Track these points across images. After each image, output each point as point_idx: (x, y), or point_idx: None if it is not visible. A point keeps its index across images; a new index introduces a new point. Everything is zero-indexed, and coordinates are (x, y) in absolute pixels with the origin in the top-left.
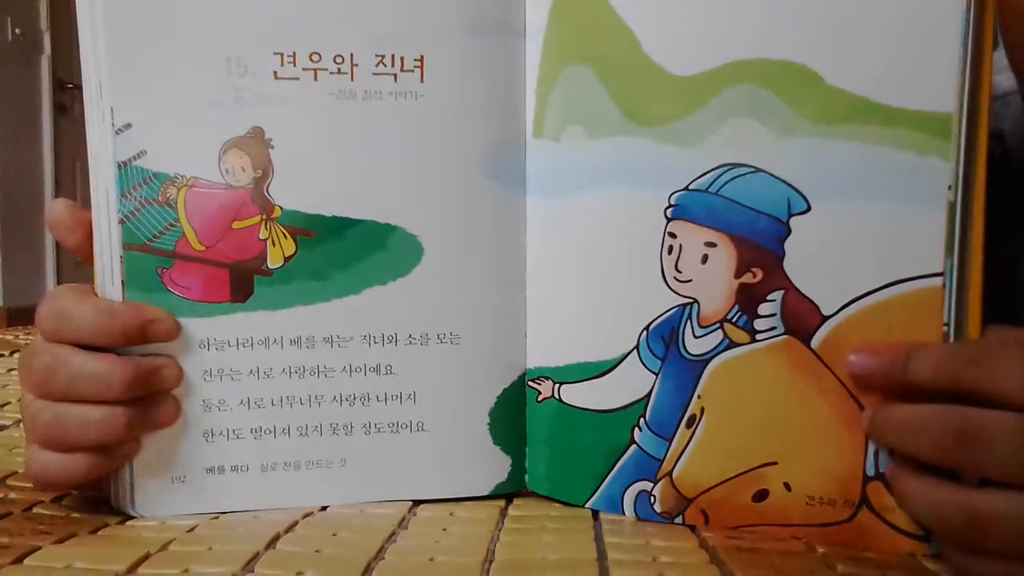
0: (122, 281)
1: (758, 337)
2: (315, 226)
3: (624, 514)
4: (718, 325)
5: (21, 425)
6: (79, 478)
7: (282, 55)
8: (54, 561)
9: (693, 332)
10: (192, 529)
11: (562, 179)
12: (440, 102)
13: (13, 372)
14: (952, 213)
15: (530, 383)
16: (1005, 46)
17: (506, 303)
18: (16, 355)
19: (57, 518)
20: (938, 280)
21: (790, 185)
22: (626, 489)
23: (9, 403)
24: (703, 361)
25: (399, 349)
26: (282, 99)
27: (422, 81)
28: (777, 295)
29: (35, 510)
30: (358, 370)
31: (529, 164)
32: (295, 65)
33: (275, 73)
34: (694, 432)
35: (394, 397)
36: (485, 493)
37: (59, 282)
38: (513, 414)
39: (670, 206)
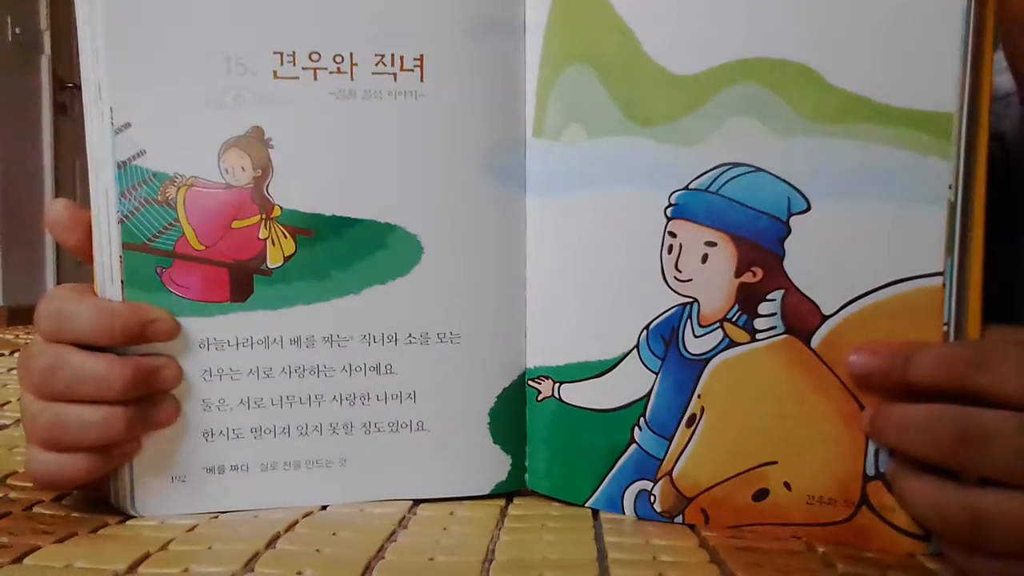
0: (122, 281)
1: (758, 336)
2: (315, 225)
3: (624, 513)
4: (718, 324)
5: (21, 424)
6: (79, 478)
7: (282, 54)
8: (54, 560)
9: (693, 331)
10: (192, 529)
11: (562, 178)
12: (440, 101)
13: (13, 371)
14: (952, 213)
15: (530, 382)
16: (1005, 50)
17: (506, 302)
18: (16, 354)
19: (57, 517)
20: (938, 280)
21: (790, 184)
22: (626, 488)
23: (9, 402)
24: (703, 360)
25: (399, 348)
26: (282, 99)
27: (422, 80)
28: (777, 294)
29: (35, 509)
30: (358, 369)
31: (529, 163)
32: (295, 64)
33: (275, 72)
34: (694, 431)
35: (394, 396)
36: (485, 492)
37: (59, 281)
38: (513, 413)
39: (670, 205)
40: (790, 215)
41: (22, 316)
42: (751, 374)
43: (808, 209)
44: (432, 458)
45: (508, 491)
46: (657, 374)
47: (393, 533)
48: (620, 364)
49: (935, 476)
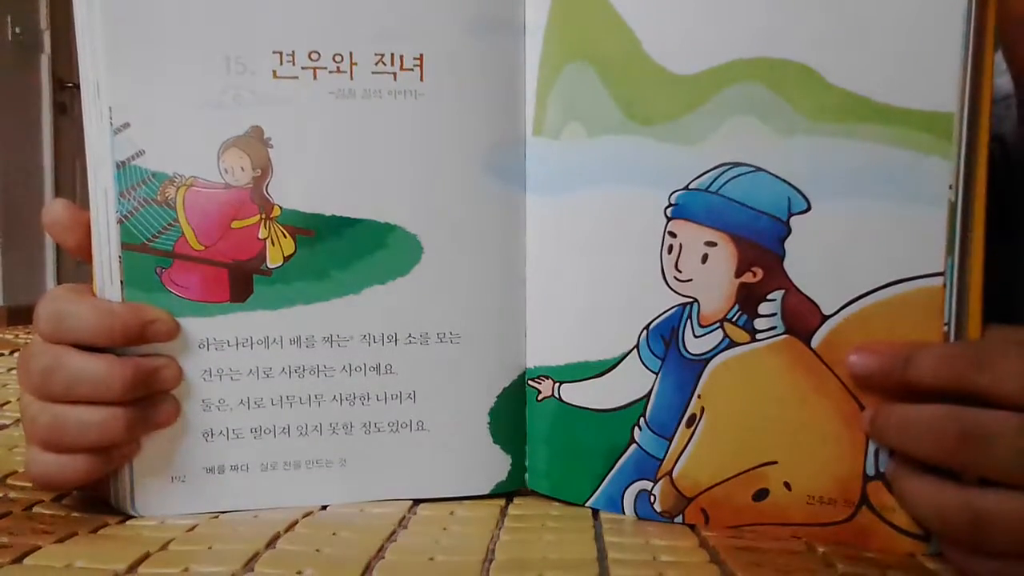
0: (121, 281)
1: (758, 337)
2: (314, 225)
3: (624, 513)
4: (718, 324)
5: (21, 424)
6: (79, 479)
7: (281, 54)
8: (54, 560)
9: (693, 331)
10: (192, 528)
11: (562, 177)
12: (440, 100)
13: (13, 371)
14: (953, 213)
15: (530, 382)
16: (1004, 52)
17: (506, 302)
18: (16, 354)
19: (57, 517)
20: (939, 280)
21: (791, 184)
22: (626, 488)
23: (9, 402)
24: (703, 360)
25: (399, 348)
26: (281, 98)
27: (421, 80)
28: (777, 295)
29: (35, 509)
30: (358, 369)
31: (529, 162)
32: (294, 64)
33: (274, 72)
34: (694, 431)
35: (394, 396)
36: (485, 492)
37: (59, 281)
38: (513, 413)
39: (670, 205)
40: (790, 215)
41: (22, 316)
42: (751, 374)
43: (808, 209)
44: (432, 458)
45: (508, 491)
46: (657, 374)
47: (393, 533)
48: (620, 364)
49: (935, 476)
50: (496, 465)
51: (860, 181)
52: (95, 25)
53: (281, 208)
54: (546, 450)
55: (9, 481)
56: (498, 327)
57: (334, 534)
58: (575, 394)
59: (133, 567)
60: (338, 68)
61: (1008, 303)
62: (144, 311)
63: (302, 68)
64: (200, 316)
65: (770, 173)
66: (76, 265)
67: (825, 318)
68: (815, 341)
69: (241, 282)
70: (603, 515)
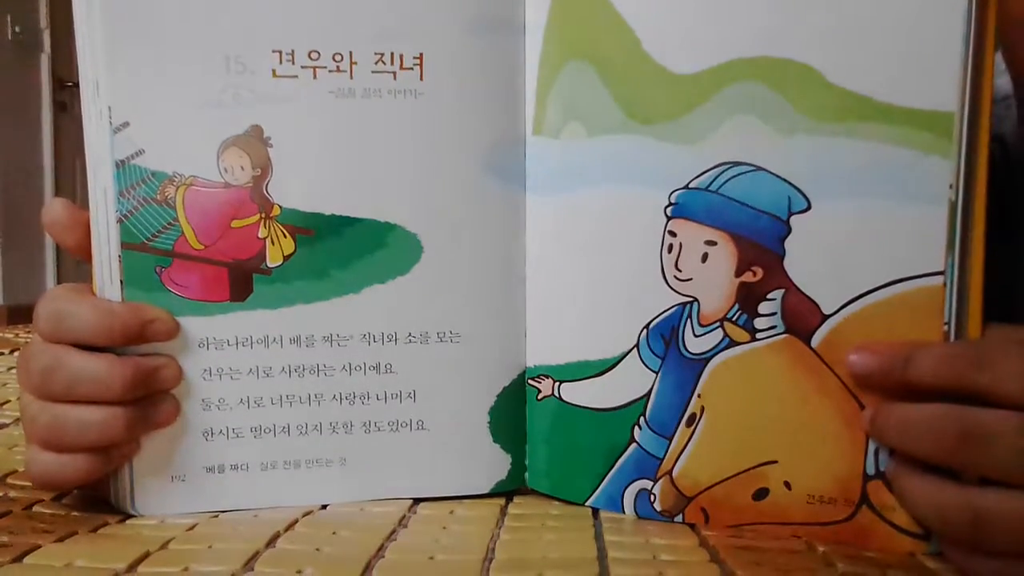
0: (121, 280)
1: (758, 336)
2: (314, 225)
3: (624, 512)
4: (718, 324)
5: (21, 423)
6: (79, 479)
7: (280, 53)
8: (54, 559)
9: (693, 331)
10: (192, 528)
11: (562, 177)
12: (439, 100)
13: (13, 370)
14: (953, 212)
15: (530, 381)
16: (1004, 53)
17: (506, 301)
18: (16, 353)
19: (57, 517)
20: (939, 279)
21: (791, 183)
22: (626, 487)
23: (9, 401)
24: (703, 360)
25: (399, 348)
26: (281, 97)
27: (421, 79)
28: (777, 294)
29: (35, 509)
30: (358, 369)
31: (529, 162)
32: (294, 63)
33: (273, 71)
34: (694, 431)
35: (394, 396)
36: (485, 491)
37: (59, 280)
38: (513, 412)
39: (670, 204)
40: (790, 214)
41: (22, 315)
42: (751, 374)
43: (809, 208)
44: (432, 457)
45: (508, 490)
46: (657, 373)
47: (393, 532)
48: (620, 363)
49: (935, 475)
50: (496, 464)
51: (860, 180)
52: (94, 24)
53: (281, 207)
54: (546, 449)
55: (9, 480)
56: (498, 326)
57: (334, 533)
58: (575, 393)
59: (133, 566)
60: (338, 67)
61: (1008, 302)
62: (144, 310)
63: (302, 67)
64: (200, 315)
65: (770, 172)
66: (76, 264)
67: (825, 317)
68: (815, 340)
69: (241, 281)
70: (603, 514)
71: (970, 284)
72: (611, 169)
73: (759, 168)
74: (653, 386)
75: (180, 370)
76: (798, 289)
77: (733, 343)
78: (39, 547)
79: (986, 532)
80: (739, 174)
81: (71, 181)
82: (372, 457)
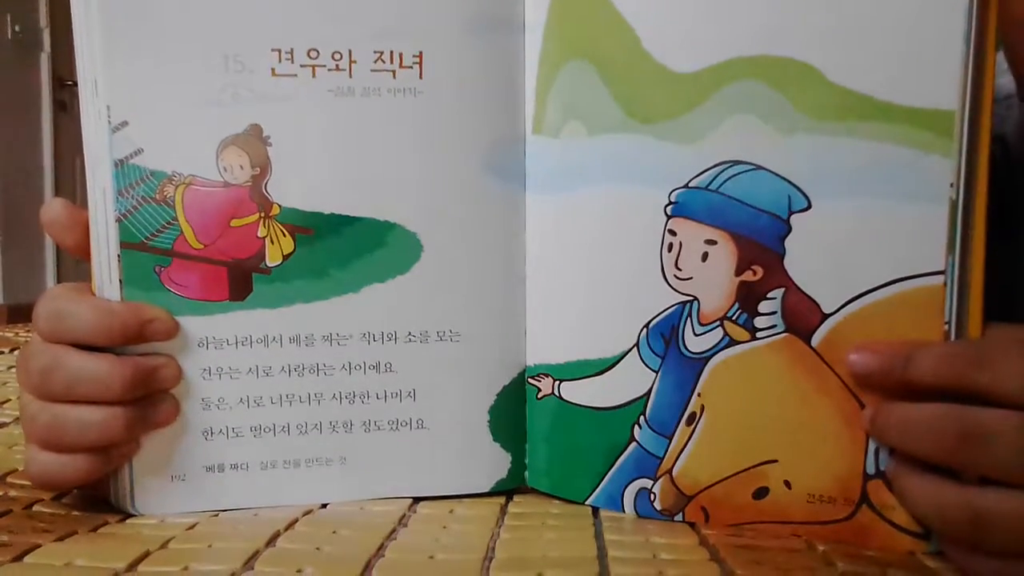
0: (120, 280)
1: (758, 335)
2: (314, 224)
3: (624, 511)
4: (718, 323)
5: (20, 423)
6: (79, 479)
7: (279, 52)
8: (54, 559)
9: (693, 330)
10: (192, 527)
11: (562, 176)
12: (439, 99)
13: (13, 369)
14: (954, 211)
15: (530, 380)
16: (1006, 53)
17: (506, 300)
18: (16, 352)
19: (57, 516)
20: (939, 278)
21: (791, 182)
22: (626, 486)
23: (9, 400)
24: (703, 359)
25: (399, 347)
26: (280, 96)
27: (421, 77)
28: (777, 293)
29: (35, 508)
30: (358, 368)
31: (529, 161)
32: (293, 62)
33: (272, 70)
34: (694, 430)
35: (394, 395)
36: (485, 490)
37: (59, 279)
38: (513, 411)
39: (670, 203)
40: (791, 213)
41: (22, 314)
42: (751, 373)
43: (809, 207)
44: (432, 456)
45: (508, 489)
46: (657, 372)
47: (393, 531)
48: (620, 362)
49: (936, 475)
50: (496, 463)
51: (861, 179)
52: (93, 23)
53: (280, 206)
54: (546, 448)
55: (9, 479)
56: (498, 325)
57: (334, 532)
58: (575, 392)
59: (133, 565)
60: (337, 66)
61: (1009, 302)
62: (143, 310)
63: (301, 66)
64: (199, 315)
65: (770, 171)
66: (76, 263)
67: (825, 316)
68: (815, 340)
69: (240, 281)
70: (603, 513)
71: (970, 284)
72: (611, 168)
73: (759, 167)
74: (653, 385)
75: (180, 370)
76: (798, 288)
77: (733, 342)
78: (39, 546)
79: (986, 531)
80: (739, 173)
81: (71, 180)
82: (372, 456)
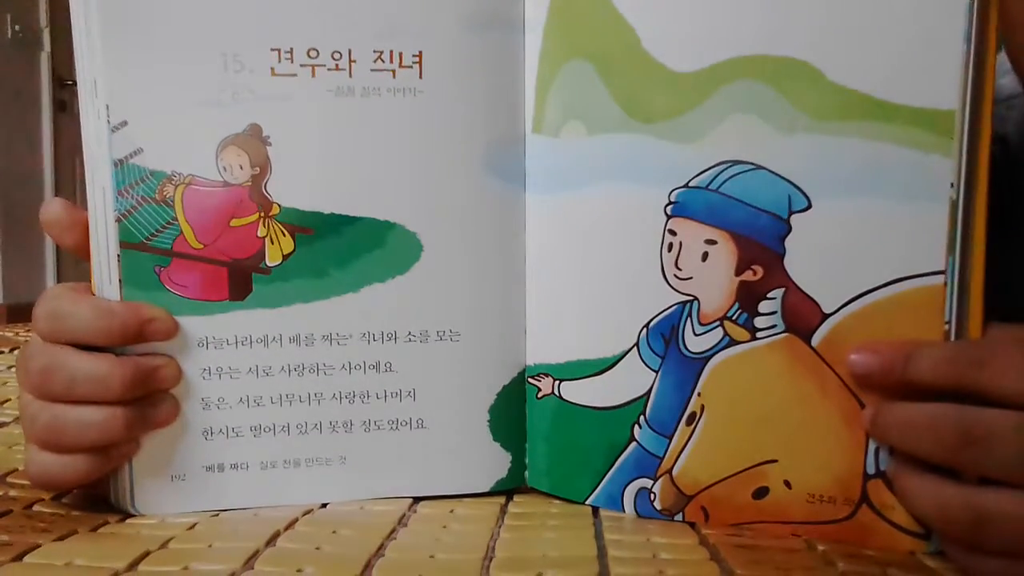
0: (119, 280)
1: (758, 335)
2: (314, 223)
3: (624, 511)
4: (718, 323)
5: (20, 423)
6: (78, 479)
7: (279, 51)
8: (54, 558)
9: (693, 330)
10: (192, 527)
11: (562, 175)
12: (439, 98)
13: (13, 369)
14: (954, 211)
15: (530, 379)
16: (1009, 55)
17: (506, 300)
18: (16, 352)
19: (57, 516)
20: (940, 278)
21: (791, 182)
22: (626, 486)
23: (9, 400)
24: (703, 359)
25: (398, 346)
26: (280, 96)
27: (420, 77)
28: (778, 293)
29: (35, 508)
30: (357, 368)
31: (528, 160)
32: (292, 62)
33: (272, 70)
34: (694, 430)
35: (394, 394)
36: (485, 490)
37: (59, 278)
38: (513, 411)
39: (670, 203)
40: (791, 213)
41: (22, 314)
42: (751, 372)
43: (809, 207)
44: (432, 456)
45: (508, 488)
46: (657, 372)
47: (393, 531)
48: (620, 362)
49: (936, 475)
50: (496, 463)
51: (861, 179)
52: (92, 22)
53: (280, 206)
54: (546, 448)
55: (9, 479)
56: (498, 325)
57: (334, 532)
58: (575, 392)
59: (133, 565)
60: (337, 65)
61: (1009, 302)
62: (143, 310)
63: (300, 66)
64: (199, 315)
65: (770, 171)
66: (76, 263)
67: (826, 316)
68: (815, 339)
69: (240, 280)
70: (603, 513)
71: (971, 283)
72: (611, 168)
73: (759, 167)
74: (653, 385)
75: (179, 369)
76: (798, 288)
77: (733, 342)
78: (39, 546)
79: (987, 531)
80: (739, 172)
81: (71, 180)
82: (372, 456)
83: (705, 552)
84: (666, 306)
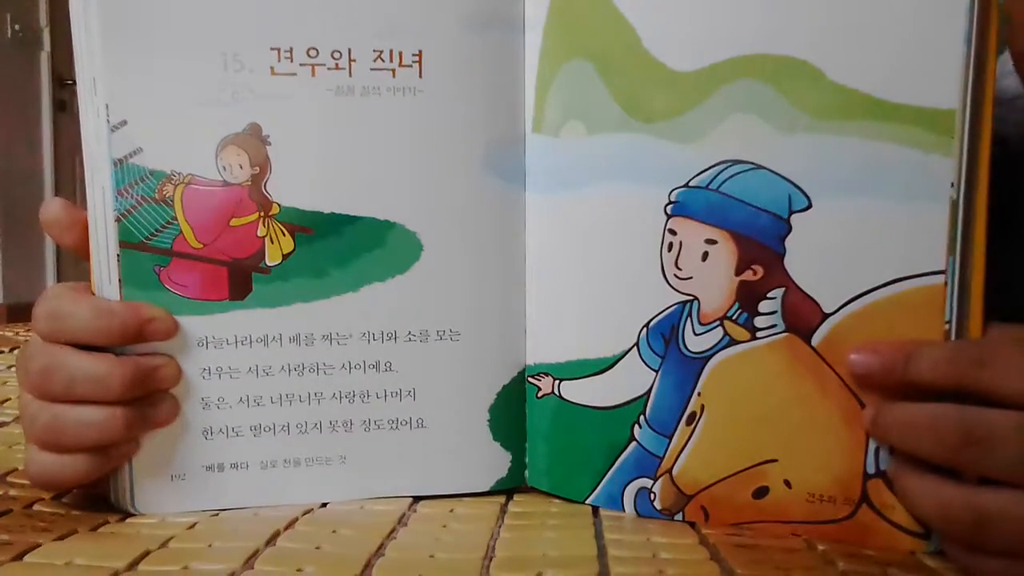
0: (119, 280)
1: (759, 335)
2: (313, 223)
3: (624, 511)
4: (718, 322)
5: (20, 423)
6: (78, 479)
7: (279, 51)
8: (54, 558)
9: (693, 329)
10: (192, 526)
11: (562, 175)
12: (439, 97)
13: (13, 368)
14: (954, 211)
15: (530, 379)
16: (1015, 60)
17: (506, 299)
18: (16, 351)
19: (57, 515)
20: (940, 278)
21: (791, 182)
22: (626, 486)
23: (9, 399)
24: (703, 358)
25: (398, 346)
26: (279, 95)
27: (420, 76)
28: (778, 292)
29: (35, 507)
30: (357, 367)
31: (528, 160)
32: (292, 61)
33: (272, 69)
34: (694, 429)
35: (394, 394)
36: (485, 489)
37: (59, 278)
38: (513, 410)
39: (670, 203)
40: (791, 213)
41: (22, 313)
42: (751, 372)
43: (809, 207)
44: (432, 455)
45: (508, 488)
46: (657, 372)
47: (393, 530)
48: (620, 362)
49: (937, 475)
50: (496, 462)
51: (861, 179)
52: (92, 21)
53: (280, 206)
54: (546, 447)
55: (9, 479)
56: (498, 324)
57: (334, 532)
58: (575, 391)
59: (133, 565)
60: (336, 65)
61: (1009, 302)
62: (142, 310)
63: (300, 65)
64: (199, 314)
65: (771, 170)
66: (76, 263)
67: (826, 316)
68: (816, 339)
69: (240, 280)
70: (603, 512)
71: (971, 283)
72: (611, 167)
73: (759, 166)
74: (653, 384)
75: (179, 369)
76: (798, 288)
77: (733, 342)
78: (39, 545)
79: (988, 531)
80: (739, 172)
81: (71, 180)
82: (372, 455)
83: (705, 552)
84: (666, 306)
